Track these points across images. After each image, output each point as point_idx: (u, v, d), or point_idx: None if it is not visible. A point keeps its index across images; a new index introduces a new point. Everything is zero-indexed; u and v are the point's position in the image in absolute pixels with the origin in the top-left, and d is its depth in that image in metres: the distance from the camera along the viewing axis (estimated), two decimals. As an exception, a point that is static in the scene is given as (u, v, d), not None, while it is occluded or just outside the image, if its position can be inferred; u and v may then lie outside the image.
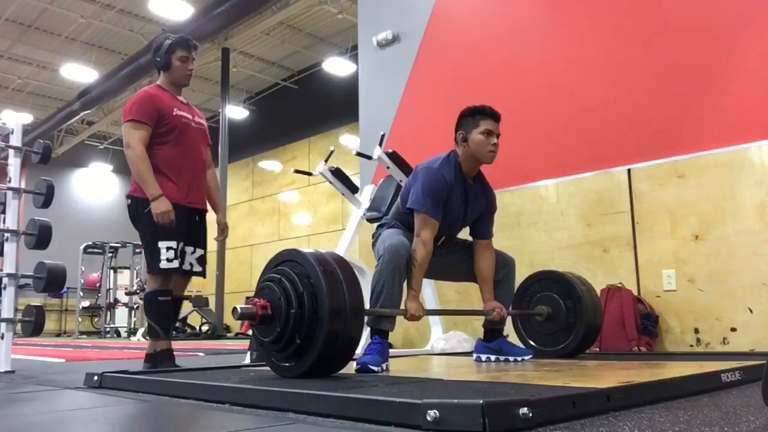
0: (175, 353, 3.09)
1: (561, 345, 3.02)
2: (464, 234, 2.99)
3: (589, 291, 3.05)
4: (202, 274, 3.10)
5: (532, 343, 3.13)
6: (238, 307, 2.14)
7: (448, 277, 3.19)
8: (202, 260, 3.08)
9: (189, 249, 3.01)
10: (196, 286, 14.71)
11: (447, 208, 2.72)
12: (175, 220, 2.85)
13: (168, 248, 2.85)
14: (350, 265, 2.23)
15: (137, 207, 2.92)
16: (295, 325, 2.07)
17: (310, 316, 2.05)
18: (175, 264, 2.86)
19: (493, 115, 2.75)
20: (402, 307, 2.61)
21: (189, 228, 3.00)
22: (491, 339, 2.91)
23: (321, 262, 2.12)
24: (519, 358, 2.84)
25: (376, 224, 2.99)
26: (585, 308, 2.96)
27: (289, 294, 2.09)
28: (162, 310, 2.94)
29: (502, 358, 2.86)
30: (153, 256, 2.86)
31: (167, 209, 2.83)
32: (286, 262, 2.21)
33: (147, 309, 3.05)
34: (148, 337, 3.15)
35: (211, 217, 3.19)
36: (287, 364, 2.15)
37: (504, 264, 2.95)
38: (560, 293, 3.04)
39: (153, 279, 2.95)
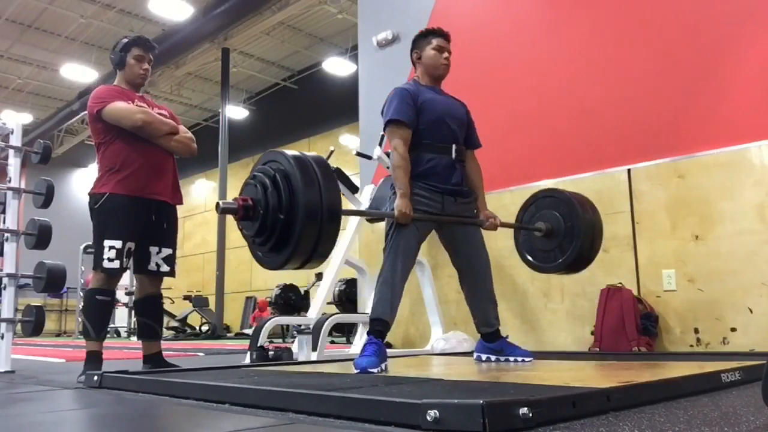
0: (175, 353, 3.07)
1: (559, 260, 3.09)
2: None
3: (588, 207, 3.14)
4: (171, 274, 3.01)
5: (530, 258, 3.21)
6: (220, 202, 2.20)
7: (457, 247, 2.95)
8: (169, 260, 3.00)
9: (154, 249, 2.94)
10: (196, 286, 14.75)
11: (430, 107, 2.84)
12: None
13: (110, 247, 2.77)
14: (329, 165, 2.30)
15: (90, 203, 2.88)
16: (274, 218, 2.13)
17: (287, 209, 2.11)
18: (116, 264, 2.77)
19: (443, 33, 3.00)
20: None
21: (149, 225, 2.90)
22: (492, 339, 2.91)
23: (298, 160, 2.18)
24: (519, 359, 2.84)
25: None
26: (583, 224, 3.03)
27: (267, 189, 2.16)
28: (97, 309, 2.85)
29: (502, 358, 2.87)
30: (96, 254, 2.81)
31: (144, 119, 2.86)
32: (269, 162, 2.27)
33: (83, 307, 2.99)
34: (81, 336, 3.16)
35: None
36: (270, 257, 2.22)
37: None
38: (560, 210, 3.11)
39: (95, 277, 2.88)
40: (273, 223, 2.14)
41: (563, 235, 3.08)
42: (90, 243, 2.97)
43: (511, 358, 2.85)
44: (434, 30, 3.01)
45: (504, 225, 3.02)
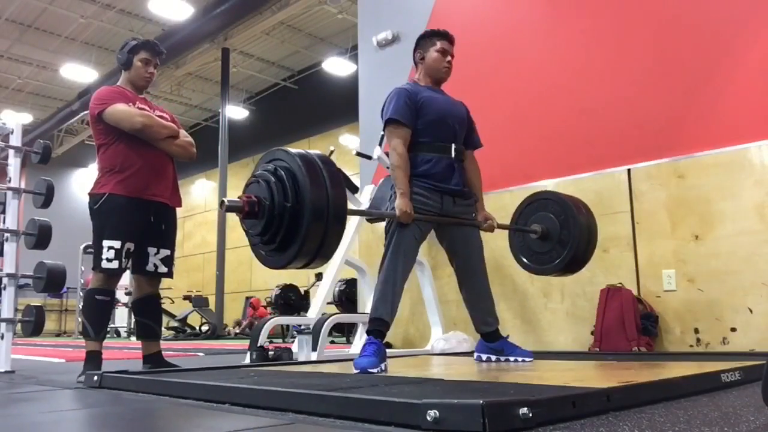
0: (175, 353, 3.07)
1: (556, 261, 3.11)
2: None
3: (584, 210, 3.15)
4: (168, 275, 3.02)
5: (525, 260, 3.23)
6: (225, 199, 2.19)
7: (455, 248, 2.96)
8: (167, 261, 3.01)
9: (152, 250, 2.95)
10: (196, 286, 14.75)
11: (430, 107, 2.83)
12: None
13: (109, 248, 2.78)
14: (335, 164, 2.30)
15: (90, 203, 2.88)
16: (279, 216, 2.12)
17: (293, 208, 2.11)
18: (115, 264, 2.77)
19: (447, 36, 2.99)
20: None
21: (148, 227, 2.91)
22: (492, 339, 2.92)
23: (305, 158, 2.17)
24: (520, 359, 2.84)
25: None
26: (578, 227, 3.05)
27: (273, 188, 2.15)
28: (97, 309, 2.86)
29: (503, 358, 2.87)
30: (95, 254, 2.82)
31: (137, 118, 2.86)
32: (274, 160, 2.26)
33: (83, 307, 2.99)
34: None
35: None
36: (273, 256, 2.21)
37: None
38: (555, 212, 3.12)
39: (94, 277, 2.90)
40: (279, 218, 2.12)
41: (558, 237, 3.10)
42: (90, 243, 2.96)
43: (512, 358, 2.85)
44: (439, 32, 3.00)
45: (501, 227, 3.03)
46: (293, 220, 2.11)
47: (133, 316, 3.03)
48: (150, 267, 2.94)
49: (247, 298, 13.82)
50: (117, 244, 2.79)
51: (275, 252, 2.20)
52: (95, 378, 2.35)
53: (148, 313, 3.03)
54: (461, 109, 3.02)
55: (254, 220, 2.20)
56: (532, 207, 3.24)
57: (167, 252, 3.00)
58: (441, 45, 2.95)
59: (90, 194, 2.89)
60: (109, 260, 2.77)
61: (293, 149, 2.25)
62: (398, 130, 2.77)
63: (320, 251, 2.18)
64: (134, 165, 2.86)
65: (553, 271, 3.16)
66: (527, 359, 2.84)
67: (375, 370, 2.40)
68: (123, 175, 2.84)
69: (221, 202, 2.18)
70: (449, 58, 2.97)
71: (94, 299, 2.84)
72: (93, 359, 2.78)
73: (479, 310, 2.90)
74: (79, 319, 2.59)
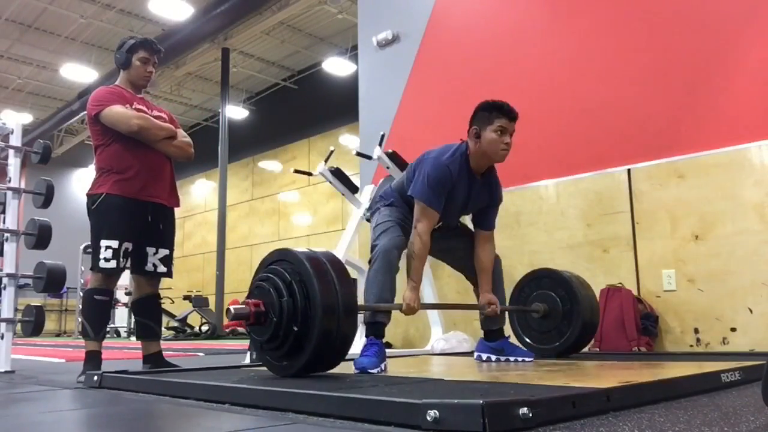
0: (175, 353, 3.07)
1: (557, 342, 3.03)
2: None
3: (586, 289, 3.07)
4: (168, 274, 3.02)
5: (527, 340, 3.15)
6: (231, 307, 2.16)
7: (443, 256, 3.09)
8: (166, 261, 3.00)
9: (151, 250, 2.94)
10: (196, 286, 14.74)
11: (449, 200, 2.71)
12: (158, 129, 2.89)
13: (107, 247, 2.77)
14: (342, 263, 2.24)
15: (88, 203, 2.88)
16: (288, 323, 2.08)
17: (303, 315, 2.06)
18: (113, 264, 2.77)
19: (510, 114, 2.70)
20: (399, 301, 2.61)
21: (145, 227, 2.90)
22: (493, 339, 2.91)
23: (312, 260, 2.13)
24: (520, 359, 2.84)
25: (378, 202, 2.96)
26: (581, 307, 2.97)
27: (282, 293, 2.11)
28: (96, 309, 2.86)
29: (503, 358, 2.87)
30: (94, 254, 2.81)
31: (132, 120, 2.85)
32: (278, 261, 2.22)
33: (82, 307, 2.97)
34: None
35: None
36: (282, 363, 2.17)
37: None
38: (557, 291, 3.06)
39: (93, 277, 2.90)
40: (286, 333, 2.09)
41: (561, 316, 3.03)
42: (90, 243, 2.96)
43: (512, 358, 2.85)
44: (501, 107, 2.69)
45: (504, 309, 2.97)
46: (303, 325, 2.07)
47: (133, 316, 3.01)
48: (149, 267, 2.94)
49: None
50: (114, 243, 2.78)
51: (284, 358, 2.16)
52: (95, 378, 2.35)
53: (148, 312, 3.03)
54: (483, 199, 2.84)
55: (261, 327, 2.18)
56: (531, 285, 3.16)
57: (166, 252, 3.00)
58: (499, 124, 2.65)
59: (88, 194, 2.90)
60: (107, 260, 2.77)
61: (300, 249, 2.20)
62: (429, 212, 2.64)
63: (331, 358, 2.16)
64: (132, 166, 2.86)
65: (562, 350, 3.04)
66: (527, 359, 2.83)
67: (375, 370, 2.40)
68: (120, 176, 2.84)
69: (227, 311, 2.16)
70: (508, 139, 2.67)
71: (93, 299, 2.84)
72: (93, 359, 2.78)
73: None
74: (79, 320, 2.56)
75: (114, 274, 2.85)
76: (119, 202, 2.82)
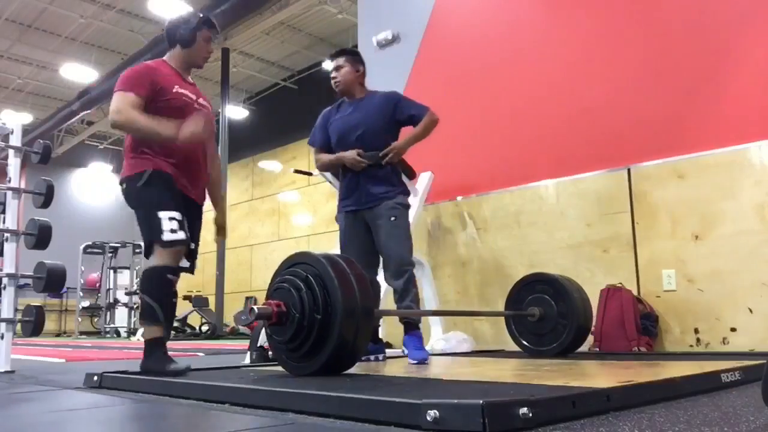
0: (175, 353, 2.99)
1: (554, 344, 3.13)
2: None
3: (579, 292, 3.16)
4: (191, 270, 2.77)
5: (525, 343, 3.25)
6: (255, 307, 2.18)
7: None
8: (193, 254, 2.76)
9: None
10: (196, 286, 14.73)
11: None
12: (208, 131, 2.60)
13: (170, 218, 2.50)
14: (359, 266, 2.30)
15: (129, 185, 2.63)
16: (309, 324, 2.12)
17: (324, 316, 2.10)
18: (182, 235, 2.52)
19: (330, 56, 3.40)
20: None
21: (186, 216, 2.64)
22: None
23: (332, 263, 2.17)
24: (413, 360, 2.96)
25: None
26: (575, 309, 3.07)
27: (303, 294, 2.14)
28: (167, 288, 2.51)
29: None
30: (153, 229, 2.51)
31: (190, 128, 2.51)
32: (298, 264, 2.26)
33: (148, 287, 2.55)
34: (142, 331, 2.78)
35: (207, 216, 2.96)
36: (300, 363, 2.20)
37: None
38: (551, 295, 3.15)
39: (158, 254, 2.54)
40: (309, 326, 2.12)
41: (556, 318, 3.13)
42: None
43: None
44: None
45: (495, 314, 3.12)
46: (323, 326, 2.11)
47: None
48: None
49: (247, 298, 13.83)
50: (177, 215, 2.53)
51: (302, 359, 2.19)
52: (95, 378, 2.35)
53: (155, 290, 2.64)
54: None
55: (281, 327, 2.21)
56: (526, 289, 3.25)
57: (194, 245, 2.76)
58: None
59: (127, 176, 2.63)
60: (173, 231, 2.49)
61: (317, 253, 2.25)
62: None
63: (348, 359, 2.20)
64: (173, 153, 2.62)
65: (557, 351, 3.13)
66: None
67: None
68: (166, 160, 2.62)
69: (251, 310, 2.19)
70: (334, 74, 3.38)
71: (164, 278, 2.50)
72: (157, 347, 2.48)
73: None
74: (140, 301, 2.29)
75: (184, 245, 2.56)
76: (169, 179, 2.59)
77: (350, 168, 3.19)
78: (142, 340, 2.78)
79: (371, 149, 3.18)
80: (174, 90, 2.67)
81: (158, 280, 2.52)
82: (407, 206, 3.23)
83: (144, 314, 2.54)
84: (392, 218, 3.09)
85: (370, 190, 3.16)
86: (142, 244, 2.71)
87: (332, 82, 3.42)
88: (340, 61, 3.45)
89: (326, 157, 3.37)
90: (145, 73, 2.65)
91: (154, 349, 2.48)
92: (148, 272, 2.56)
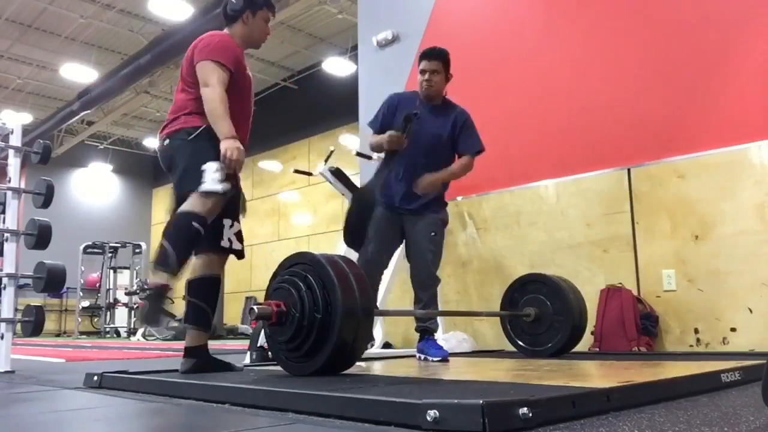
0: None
1: (549, 344, 3.14)
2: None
3: (574, 293, 3.18)
4: (242, 253, 2.64)
5: (521, 343, 3.27)
6: (255, 307, 2.18)
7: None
8: (240, 236, 2.64)
9: (227, 222, 2.56)
10: (196, 286, 14.71)
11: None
12: (241, 164, 2.47)
13: (218, 169, 2.39)
14: (359, 267, 2.31)
15: (178, 138, 2.50)
16: (309, 324, 2.12)
17: (324, 316, 2.10)
18: (227, 186, 2.41)
19: (427, 54, 3.31)
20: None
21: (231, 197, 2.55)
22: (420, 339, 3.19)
23: (332, 263, 2.17)
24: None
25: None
26: (570, 309, 3.09)
27: (303, 295, 2.14)
28: (188, 235, 2.36)
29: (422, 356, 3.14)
30: (196, 180, 2.40)
31: (240, 150, 2.41)
32: (298, 264, 2.26)
33: (171, 231, 2.40)
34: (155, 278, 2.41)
35: None
36: (300, 363, 2.20)
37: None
38: (547, 295, 3.16)
39: (194, 201, 2.40)
40: (309, 326, 2.12)
41: (551, 318, 3.14)
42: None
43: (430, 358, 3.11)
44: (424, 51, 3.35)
45: (492, 314, 3.19)
46: (323, 326, 2.10)
47: (188, 297, 2.63)
48: (225, 242, 2.54)
49: (247, 298, 13.83)
50: (225, 176, 2.42)
51: (302, 359, 2.19)
52: (95, 378, 2.35)
53: (205, 294, 2.64)
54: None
55: (281, 327, 2.22)
56: (522, 290, 3.28)
57: (239, 226, 2.65)
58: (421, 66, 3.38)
59: (176, 129, 2.52)
60: (219, 180, 2.38)
61: (317, 253, 2.24)
62: None
63: (347, 359, 2.20)
64: (237, 132, 2.50)
65: (552, 351, 3.14)
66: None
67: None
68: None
69: (251, 310, 2.19)
70: (427, 76, 3.35)
71: (189, 225, 2.36)
72: (160, 295, 2.39)
73: None
74: (160, 245, 2.17)
75: (223, 197, 2.44)
76: (217, 140, 2.45)
77: (394, 149, 3.09)
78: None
79: (438, 157, 3.21)
80: (246, 72, 2.61)
81: (182, 225, 2.39)
82: (446, 223, 3.32)
83: (158, 259, 2.37)
84: (432, 234, 3.18)
85: (419, 198, 3.21)
86: (172, 204, 2.54)
87: (422, 83, 3.28)
88: (437, 65, 3.29)
89: (375, 139, 3.30)
90: (234, 48, 2.56)
91: (158, 294, 2.41)
92: (177, 216, 2.42)
